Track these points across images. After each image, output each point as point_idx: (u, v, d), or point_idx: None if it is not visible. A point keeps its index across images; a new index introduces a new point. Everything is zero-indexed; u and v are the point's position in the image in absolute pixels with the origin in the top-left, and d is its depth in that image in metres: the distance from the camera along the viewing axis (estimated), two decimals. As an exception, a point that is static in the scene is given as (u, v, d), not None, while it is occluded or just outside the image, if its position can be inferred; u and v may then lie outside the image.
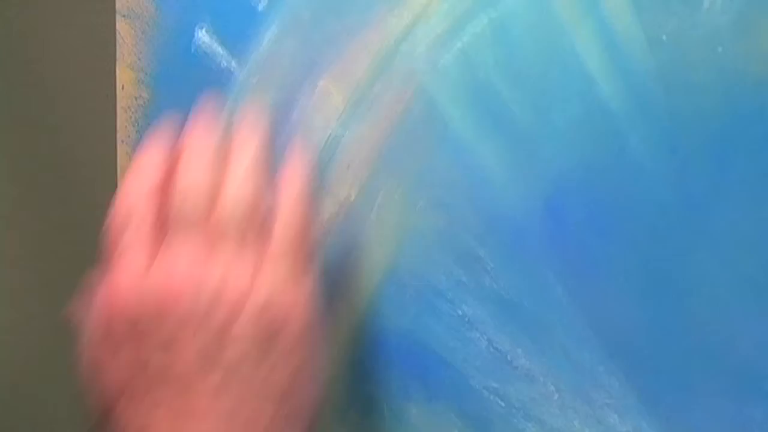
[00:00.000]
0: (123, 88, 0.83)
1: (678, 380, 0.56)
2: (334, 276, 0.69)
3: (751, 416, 0.54)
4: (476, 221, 0.63)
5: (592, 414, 0.59)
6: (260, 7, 0.72)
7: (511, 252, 0.61)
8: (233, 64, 0.75)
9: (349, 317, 0.68)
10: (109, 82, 0.84)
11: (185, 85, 0.78)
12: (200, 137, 0.64)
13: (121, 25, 0.82)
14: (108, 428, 0.58)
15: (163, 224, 0.61)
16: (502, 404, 0.61)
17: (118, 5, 0.82)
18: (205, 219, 0.61)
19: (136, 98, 0.82)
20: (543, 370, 0.61)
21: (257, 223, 0.60)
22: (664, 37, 0.54)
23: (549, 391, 0.60)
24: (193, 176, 0.62)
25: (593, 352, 0.59)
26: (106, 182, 0.84)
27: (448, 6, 0.62)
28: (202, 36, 0.76)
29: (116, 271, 0.60)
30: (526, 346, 0.61)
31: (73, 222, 0.90)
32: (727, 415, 0.55)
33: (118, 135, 0.84)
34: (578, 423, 0.59)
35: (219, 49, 0.75)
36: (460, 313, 0.63)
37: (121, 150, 0.84)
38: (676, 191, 0.55)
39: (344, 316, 0.68)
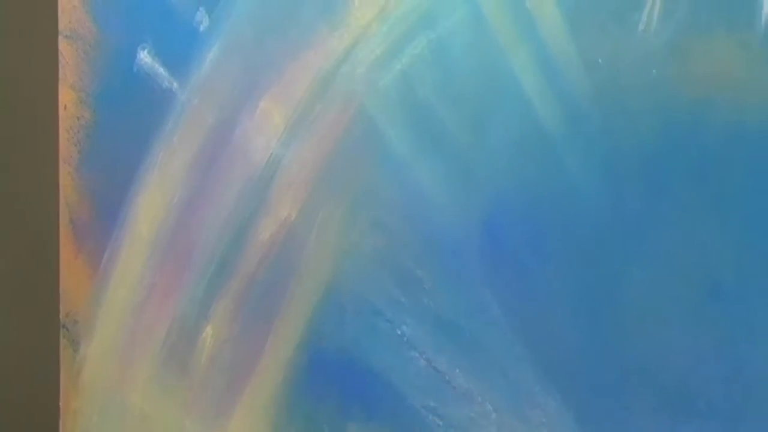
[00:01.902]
0: (65, 108, 0.81)
1: (613, 399, 0.55)
2: (274, 296, 0.67)
3: (686, 434, 0.53)
4: (415, 241, 0.62)
5: (528, 433, 0.57)
6: (202, 28, 0.71)
7: (449, 272, 0.60)
8: (175, 85, 0.73)
9: (288, 336, 0.66)
10: (52, 102, 0.82)
11: (127, 105, 0.77)
12: None
13: (63, 46, 0.80)
14: None
15: None
16: (440, 423, 0.60)
17: (60, 26, 0.80)
18: None
19: (78, 118, 0.81)
20: (481, 390, 0.59)
21: None
22: (600, 60, 0.54)
23: (486, 411, 0.59)
24: None
25: (530, 371, 0.57)
26: (48, 202, 0.82)
27: (388, 27, 0.61)
28: (144, 57, 0.75)
29: None
30: (464, 366, 0.60)
31: (14, 238, 0.88)
32: (662, 433, 0.54)
33: (61, 155, 0.81)
34: (515, 442, 0.58)
35: (161, 70, 0.74)
36: (399, 332, 0.62)
37: (63, 170, 0.82)
38: (611, 212, 0.54)
39: (285, 336, 0.67)
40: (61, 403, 0.83)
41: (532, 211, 0.58)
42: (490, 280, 0.59)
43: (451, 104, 0.59)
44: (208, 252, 0.72)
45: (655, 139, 0.53)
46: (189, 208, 0.73)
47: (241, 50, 0.70)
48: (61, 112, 0.82)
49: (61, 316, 0.83)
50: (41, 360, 0.83)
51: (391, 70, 0.62)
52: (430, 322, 0.61)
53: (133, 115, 0.76)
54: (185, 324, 0.73)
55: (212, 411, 0.71)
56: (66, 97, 0.81)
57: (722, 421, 0.52)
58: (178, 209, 0.74)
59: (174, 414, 0.73)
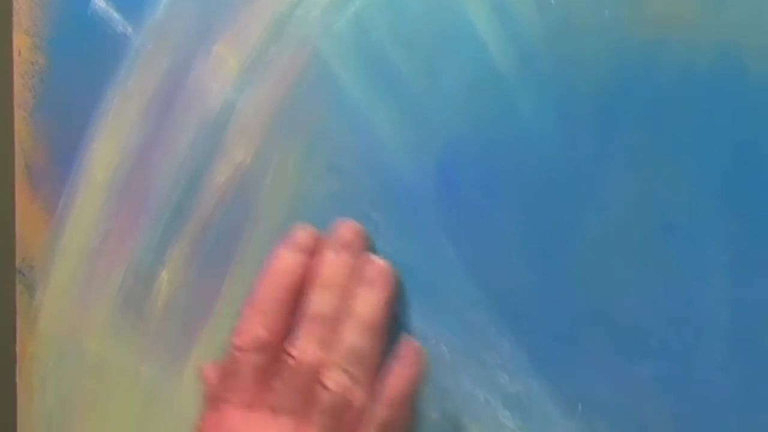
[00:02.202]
0: (20, 53, 0.79)
1: (567, 340, 0.55)
2: (229, 241, 0.67)
3: (638, 373, 0.53)
4: (370, 185, 0.61)
5: (483, 374, 0.57)
6: (155, -28, 0.70)
7: (403, 215, 0.60)
8: (129, 29, 0.72)
9: (243, 280, 0.66)
10: (6, 47, 0.80)
11: (81, 50, 0.76)
12: (335, 267, 0.60)
13: (16, -10, 0.79)
14: None
15: (271, 368, 0.58)
16: (395, 366, 0.59)
17: (13, -30, 0.79)
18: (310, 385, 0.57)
19: (32, 63, 0.79)
20: (435, 332, 0.59)
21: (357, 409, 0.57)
22: (552, 1, 0.53)
23: (441, 352, 0.59)
24: (310, 340, 0.58)
25: (484, 313, 0.57)
26: (3, 148, 0.81)
27: (342, -30, 0.60)
28: (98, 1, 0.73)
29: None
30: (418, 308, 0.60)
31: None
32: (615, 373, 0.54)
33: (15, 100, 0.80)
34: (469, 383, 0.58)
35: (115, 15, 0.73)
36: (353, 275, 0.61)
37: (18, 115, 0.81)
38: (564, 154, 0.54)
39: (240, 280, 0.66)
40: (17, 349, 0.83)
41: (486, 154, 0.57)
42: (445, 222, 0.59)
43: (404, 47, 0.59)
44: (163, 197, 0.71)
45: (607, 80, 0.53)
46: (144, 153, 0.72)
47: (194, -6, 0.69)
48: (16, 57, 0.81)
49: (17, 262, 0.82)
50: (-3, 306, 0.83)
51: (344, 13, 0.61)
52: (384, 265, 0.61)
53: (87, 60, 0.75)
54: (141, 269, 0.72)
55: (169, 355, 0.71)
56: (20, 42, 0.80)
57: (675, 360, 0.53)
58: (133, 154, 0.73)
59: (130, 359, 0.73)
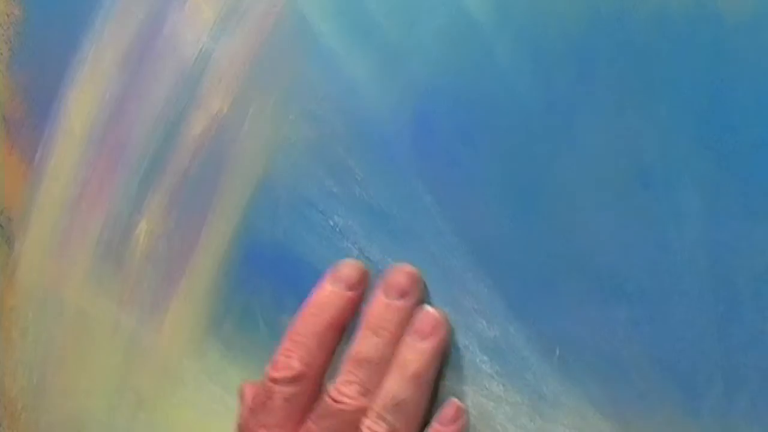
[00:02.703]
0: (-5, 5, 0.78)
1: (544, 285, 0.55)
2: (207, 191, 0.66)
3: (615, 317, 0.53)
4: (347, 132, 0.61)
5: (460, 320, 0.57)
6: None
7: (380, 162, 0.59)
8: (104, -21, 0.71)
9: (222, 230, 0.65)
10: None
11: (57, 1, 0.74)
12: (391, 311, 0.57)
13: (-11, -60, 0.77)
14: None
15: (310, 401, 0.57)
16: (374, 312, 0.59)
17: None
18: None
19: (8, 15, 0.78)
20: (413, 278, 0.58)
21: None
22: (527, -54, 0.52)
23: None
24: (358, 376, 0.56)
25: (462, 259, 0.57)
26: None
27: None
28: (72, -48, 0.72)
29: None
30: (396, 255, 0.59)
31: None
32: (591, 317, 0.53)
33: (-9, 53, 0.79)
34: (447, 329, 0.57)
35: (90, -35, 0.71)
36: (331, 223, 0.61)
37: (-7, 68, 0.79)
38: (540, 98, 0.54)
39: (219, 230, 0.65)
40: (-4, 301, 0.82)
41: (463, 101, 0.57)
42: (422, 169, 0.58)
43: (379, -6, 0.58)
44: (140, 147, 0.70)
45: (583, 27, 0.52)
46: (121, 103, 0.71)
47: (169, -58, 0.67)
48: (-10, 9, 0.79)
49: (-5, 214, 0.81)
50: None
51: (319, -39, 0.60)
52: (362, 212, 0.60)
53: (62, 11, 0.74)
54: (119, 220, 0.72)
55: (148, 306, 0.70)
56: (-6, -7, 0.79)
57: (651, 304, 0.52)
58: (110, 105, 0.72)
59: (110, 309, 0.72)
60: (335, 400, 0.55)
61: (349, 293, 0.58)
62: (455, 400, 0.57)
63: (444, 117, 0.57)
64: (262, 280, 0.64)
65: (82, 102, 0.73)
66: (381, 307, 0.56)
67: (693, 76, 0.50)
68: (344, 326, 0.58)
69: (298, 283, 0.63)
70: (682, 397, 0.52)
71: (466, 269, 0.57)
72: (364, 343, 0.56)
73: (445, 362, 0.57)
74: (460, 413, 0.56)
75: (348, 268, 0.58)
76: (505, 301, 0.56)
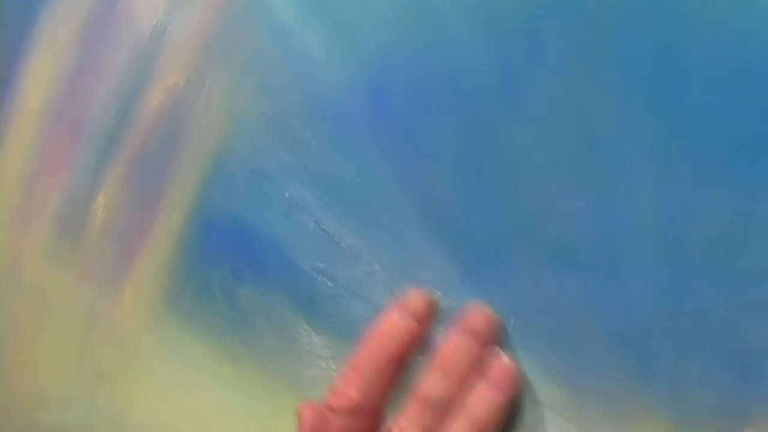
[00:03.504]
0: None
1: (498, 255, 0.54)
2: (164, 165, 0.65)
3: (568, 286, 0.53)
4: (301, 106, 0.60)
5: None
6: None
7: (336, 135, 0.59)
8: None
9: (179, 203, 0.64)
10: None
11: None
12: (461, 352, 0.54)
13: None
14: None
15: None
16: (330, 284, 0.58)
17: None
18: None
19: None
20: (369, 250, 0.58)
21: None
22: None
23: (375, 270, 0.57)
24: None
25: (417, 230, 0.56)
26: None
27: None
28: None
29: None
30: (352, 227, 0.58)
31: None
32: (545, 287, 0.53)
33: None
34: (404, 300, 0.56)
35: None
36: (287, 196, 0.60)
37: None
38: (493, 69, 0.53)
39: (176, 203, 0.64)
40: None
41: (417, 71, 0.56)
42: (377, 140, 0.58)
43: (333, -34, 0.57)
44: (97, 122, 0.69)
45: (535, -3, 0.51)
46: (77, 78, 0.70)
47: None
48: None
49: (-47, 191, 0.80)
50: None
51: (273, -67, 0.59)
52: (318, 185, 0.60)
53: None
54: (77, 194, 0.70)
55: (106, 280, 0.69)
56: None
57: (604, 274, 0.52)
58: (66, 80, 0.71)
59: (68, 284, 0.71)
60: None
61: (415, 325, 0.55)
62: None
63: (399, 89, 0.57)
64: (220, 253, 0.63)
65: (39, 77, 0.72)
66: (455, 348, 0.54)
67: (645, 45, 0.49)
68: (407, 358, 0.55)
69: (255, 255, 0.62)
70: (634, 364, 0.51)
71: (421, 240, 0.56)
72: (433, 383, 0.53)
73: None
74: None
75: (416, 299, 0.55)
76: (460, 272, 0.55)
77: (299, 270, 0.60)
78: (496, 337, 0.54)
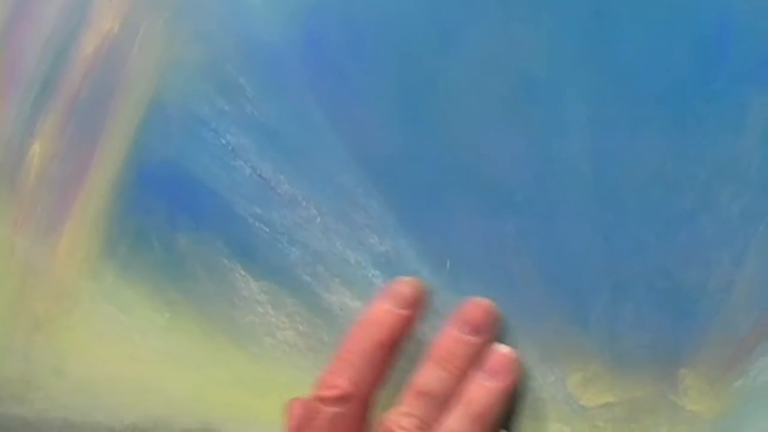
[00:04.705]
0: None
1: (433, 198, 0.53)
2: (99, 112, 0.63)
3: (503, 229, 0.52)
4: (236, 51, 0.58)
5: (353, 235, 0.55)
6: None
7: (271, 80, 0.57)
8: None
9: (115, 150, 0.62)
10: None
11: None
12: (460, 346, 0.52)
13: None
14: None
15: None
16: (267, 230, 0.57)
17: None
18: None
19: None
20: (305, 195, 0.57)
21: None
22: None
23: (311, 215, 0.56)
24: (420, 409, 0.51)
25: (353, 174, 0.55)
26: None
27: None
28: None
29: None
30: (288, 172, 0.57)
31: None
32: (480, 230, 0.52)
33: None
34: (340, 245, 0.55)
35: None
36: (223, 141, 0.58)
37: None
38: (427, 12, 0.52)
39: (111, 150, 0.62)
40: None
41: (351, 16, 0.55)
42: (312, 85, 0.56)
43: None
44: (32, 69, 0.67)
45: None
46: (11, 24, 0.68)
47: None
48: None
49: None
50: None
51: None
52: (254, 130, 0.58)
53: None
54: (12, 142, 0.68)
55: (42, 228, 0.67)
56: None
57: (538, 217, 0.51)
58: (0, 27, 0.68)
59: (4, 233, 0.69)
60: (392, 431, 0.50)
61: (404, 312, 0.52)
62: None
63: (333, 32, 0.55)
64: (156, 200, 0.62)
65: (-27, 24, 0.69)
66: (451, 340, 0.51)
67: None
68: (397, 346, 0.52)
69: (191, 202, 0.60)
70: (569, 306, 0.51)
71: (357, 184, 0.55)
72: (428, 375, 0.51)
73: (338, 277, 0.55)
74: None
75: (404, 285, 0.53)
76: (396, 216, 0.54)
77: (236, 216, 0.58)
78: (495, 331, 0.52)
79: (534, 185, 0.50)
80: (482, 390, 0.51)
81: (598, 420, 0.50)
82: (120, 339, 0.62)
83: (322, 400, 0.52)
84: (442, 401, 0.51)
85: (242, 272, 0.58)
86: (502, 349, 0.52)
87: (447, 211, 0.53)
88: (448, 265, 0.53)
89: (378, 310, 0.53)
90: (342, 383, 0.51)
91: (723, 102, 0.47)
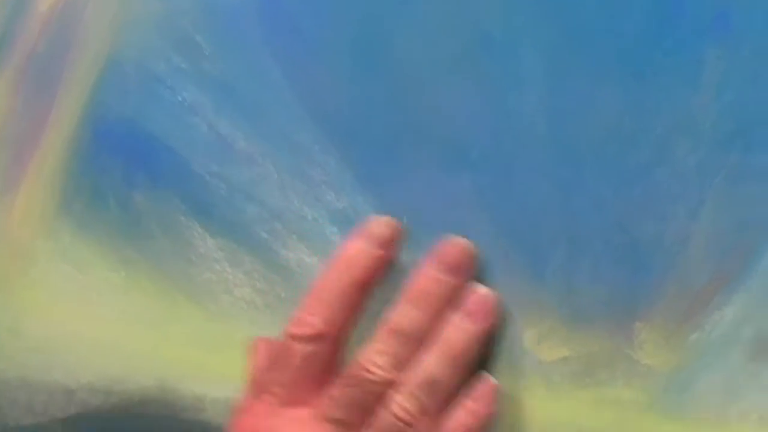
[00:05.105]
0: None
1: (390, 155, 0.53)
2: (55, 69, 0.62)
3: (460, 185, 0.51)
4: (192, 7, 0.58)
5: (310, 192, 0.54)
6: None
7: (227, 36, 0.56)
8: None
9: (71, 108, 0.61)
10: None
11: None
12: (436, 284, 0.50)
13: None
14: None
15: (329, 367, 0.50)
16: (224, 187, 0.56)
17: None
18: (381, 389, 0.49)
19: None
20: (263, 152, 0.56)
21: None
22: None
23: (268, 172, 0.55)
24: (389, 345, 0.49)
25: (309, 131, 0.54)
26: None
27: None
28: None
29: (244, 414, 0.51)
30: (245, 129, 0.56)
31: None
32: (437, 185, 0.52)
33: None
34: (297, 202, 0.55)
35: None
36: (180, 99, 0.58)
37: None
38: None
39: (68, 108, 0.61)
40: None
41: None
42: (269, 42, 0.56)
43: None
44: (-14, 27, 0.65)
45: None
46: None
47: None
48: None
49: None
50: None
51: None
52: (210, 87, 0.57)
53: None
54: (-33, 101, 0.67)
55: (-2, 186, 0.66)
56: None
57: (495, 173, 0.51)
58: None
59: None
60: (365, 369, 0.49)
61: (379, 252, 0.51)
62: (489, 377, 0.51)
63: (290, -11, 0.54)
64: (112, 157, 0.61)
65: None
66: (427, 280, 0.50)
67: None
68: (371, 286, 0.51)
69: (148, 159, 0.60)
70: (526, 262, 0.51)
71: (314, 141, 0.54)
72: (402, 314, 0.50)
73: (295, 234, 0.55)
74: (493, 390, 0.51)
75: (380, 225, 0.52)
76: (353, 172, 0.54)
77: (193, 173, 0.58)
78: (472, 270, 0.51)
79: (490, 141, 0.50)
80: (459, 331, 0.50)
81: (554, 374, 0.50)
82: (76, 298, 0.61)
83: (296, 338, 0.50)
84: (415, 340, 0.50)
85: (199, 229, 0.57)
86: (481, 289, 0.50)
87: (404, 167, 0.52)
88: (404, 221, 0.52)
89: (354, 249, 0.52)
90: (315, 322, 0.50)
91: (679, 56, 0.47)
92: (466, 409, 0.50)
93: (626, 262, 0.48)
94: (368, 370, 0.49)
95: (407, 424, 0.48)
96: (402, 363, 0.49)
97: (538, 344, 0.50)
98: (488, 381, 0.50)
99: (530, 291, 0.50)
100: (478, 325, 0.50)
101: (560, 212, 0.49)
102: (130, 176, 0.60)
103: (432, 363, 0.49)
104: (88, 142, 0.62)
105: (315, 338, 0.50)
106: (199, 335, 0.57)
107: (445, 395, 0.49)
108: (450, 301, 0.50)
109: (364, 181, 0.53)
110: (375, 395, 0.49)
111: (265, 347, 0.52)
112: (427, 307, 0.50)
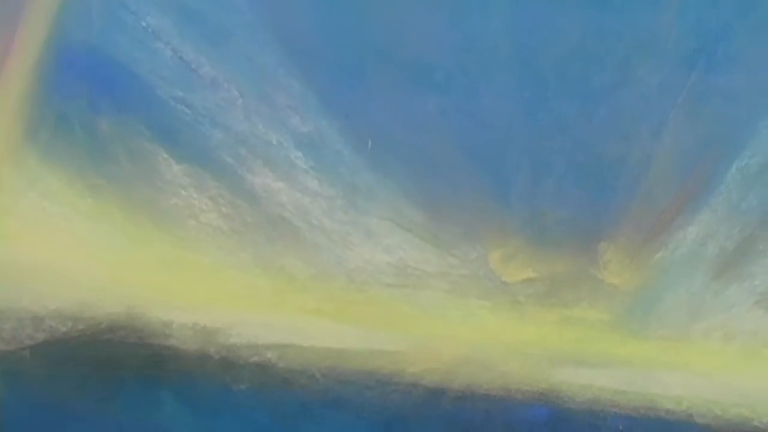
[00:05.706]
0: None
1: (355, 78, 0.52)
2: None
3: (425, 107, 0.50)
4: (155, -70, 0.56)
5: (275, 116, 0.53)
6: None
7: (191, -40, 0.55)
8: None
9: (35, 35, 0.60)
10: None
11: None
12: None
13: None
14: None
15: None
16: (189, 112, 0.55)
17: None
18: None
19: None
20: (227, 77, 0.55)
21: None
22: None
23: (233, 97, 0.54)
24: None
25: (274, 55, 0.53)
26: None
27: None
28: None
29: None
30: (209, 54, 0.55)
31: None
32: (402, 109, 0.51)
33: None
34: (262, 126, 0.54)
35: None
36: (144, 24, 0.56)
37: None
38: None
39: (32, 35, 0.60)
40: None
41: None
42: (232, -35, 0.54)
43: None
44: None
45: None
46: None
47: None
48: None
49: None
50: None
51: None
52: (174, 12, 0.56)
53: None
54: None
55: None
56: None
57: (459, 94, 0.50)
58: None
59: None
60: None
61: None
62: None
63: None
64: (77, 84, 0.59)
65: None
66: None
67: None
68: None
69: (113, 85, 0.58)
70: (491, 183, 0.50)
71: (278, 65, 0.53)
72: None
73: (260, 159, 0.54)
74: None
75: None
76: (317, 96, 0.53)
77: (158, 99, 0.57)
78: None
79: (454, 63, 0.49)
80: None
81: (520, 295, 0.49)
82: (43, 225, 0.60)
83: None
84: None
85: (165, 155, 0.57)
86: None
87: (368, 90, 0.51)
88: (369, 144, 0.51)
89: None
90: None
91: (643, -25, 0.46)
92: None
93: (590, 183, 0.48)
94: None
95: None
96: None
97: (503, 265, 0.50)
98: None
99: (495, 213, 0.50)
100: None
101: (524, 133, 0.48)
102: (95, 103, 0.59)
103: None
104: (53, 69, 0.61)
105: None
106: (166, 261, 0.56)
107: None
108: None
109: (329, 104, 0.52)
110: None
111: None
112: None
